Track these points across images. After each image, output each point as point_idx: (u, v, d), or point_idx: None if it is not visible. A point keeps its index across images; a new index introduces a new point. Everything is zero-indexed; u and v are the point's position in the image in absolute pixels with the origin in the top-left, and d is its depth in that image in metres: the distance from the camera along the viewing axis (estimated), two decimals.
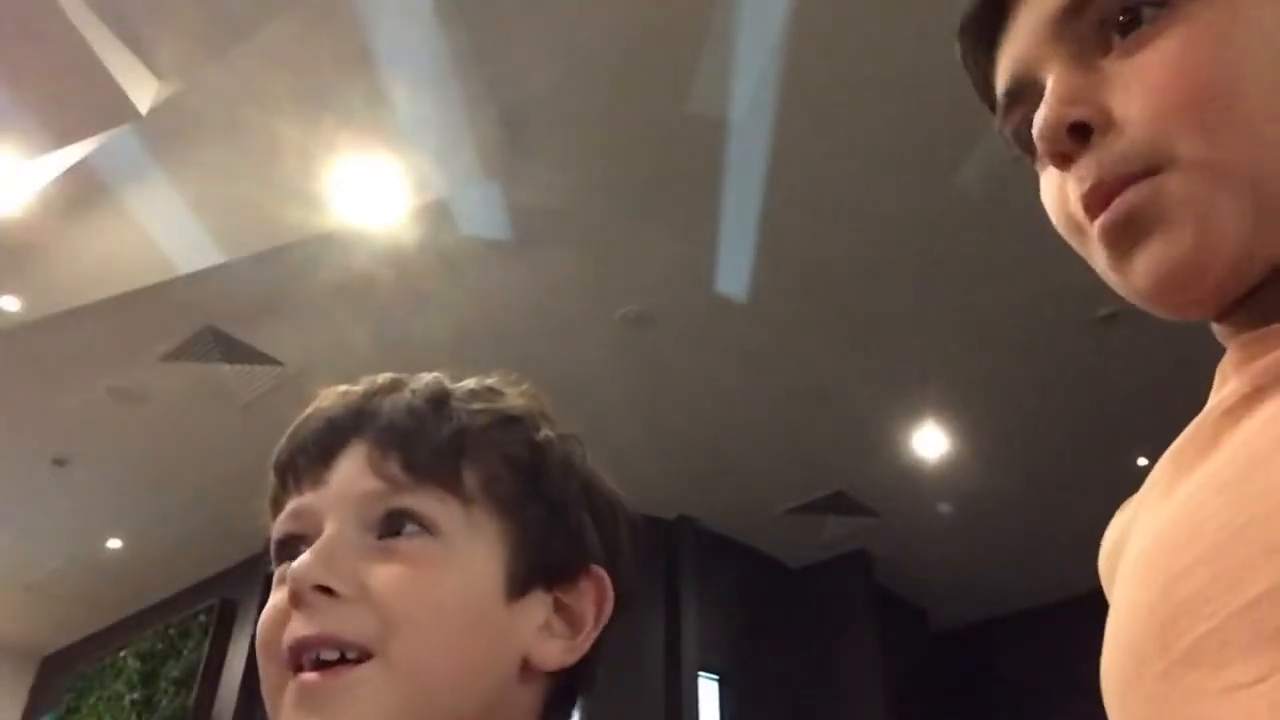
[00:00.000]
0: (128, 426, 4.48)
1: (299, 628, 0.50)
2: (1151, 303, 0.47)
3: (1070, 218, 0.49)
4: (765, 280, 3.73)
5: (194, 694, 5.39)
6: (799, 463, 5.03)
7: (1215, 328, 0.50)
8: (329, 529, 0.53)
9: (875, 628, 5.69)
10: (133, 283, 3.58)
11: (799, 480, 5.21)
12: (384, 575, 0.51)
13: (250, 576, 5.34)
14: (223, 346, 4.13)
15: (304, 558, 0.51)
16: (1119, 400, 4.26)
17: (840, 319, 4.07)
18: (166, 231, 3.37)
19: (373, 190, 3.31)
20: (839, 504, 5.41)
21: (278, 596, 0.52)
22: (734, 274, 3.67)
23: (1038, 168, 0.52)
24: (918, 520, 5.43)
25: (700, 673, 5.24)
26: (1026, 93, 0.51)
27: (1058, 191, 0.49)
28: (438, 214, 3.45)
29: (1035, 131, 0.47)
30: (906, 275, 3.82)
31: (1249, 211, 0.43)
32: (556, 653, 0.55)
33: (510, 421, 0.57)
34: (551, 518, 0.56)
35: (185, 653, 5.68)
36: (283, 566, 0.54)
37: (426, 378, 0.59)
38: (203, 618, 5.65)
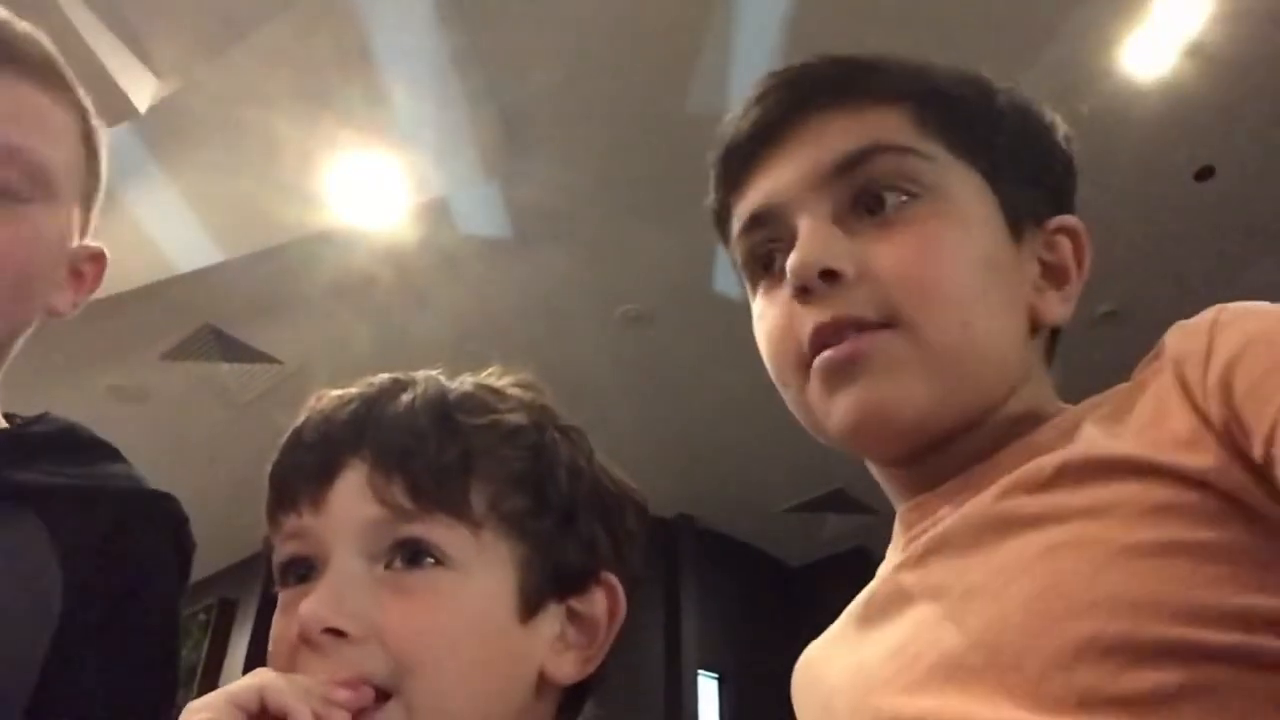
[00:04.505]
0: (127, 425, 4.47)
1: (313, 667, 0.49)
2: (845, 439, 0.57)
3: (794, 346, 0.57)
4: None
5: (194, 692, 5.37)
6: (798, 461, 5.02)
7: (884, 475, 0.61)
8: (334, 562, 0.51)
9: None
10: (132, 281, 3.57)
11: (798, 478, 5.21)
12: (397, 613, 0.49)
13: (250, 576, 5.33)
14: (222, 346, 4.12)
15: (312, 600, 0.49)
16: None
17: None
18: (165, 230, 3.37)
19: (372, 189, 3.31)
20: (838, 502, 5.40)
21: (289, 628, 0.51)
22: (733, 272, 3.66)
23: (752, 286, 0.64)
24: None
25: (700, 671, 5.24)
26: (771, 222, 0.60)
27: (785, 320, 0.58)
28: (437, 213, 3.45)
29: (790, 266, 0.56)
30: None
31: (936, 380, 0.54)
32: (573, 665, 0.55)
33: (514, 433, 0.55)
34: (561, 528, 0.55)
35: (185, 651, 5.68)
36: (288, 591, 0.53)
37: (424, 382, 0.56)
38: (202, 616, 5.65)
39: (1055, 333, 0.64)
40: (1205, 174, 3.32)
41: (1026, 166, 0.60)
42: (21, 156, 0.65)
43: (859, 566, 6.11)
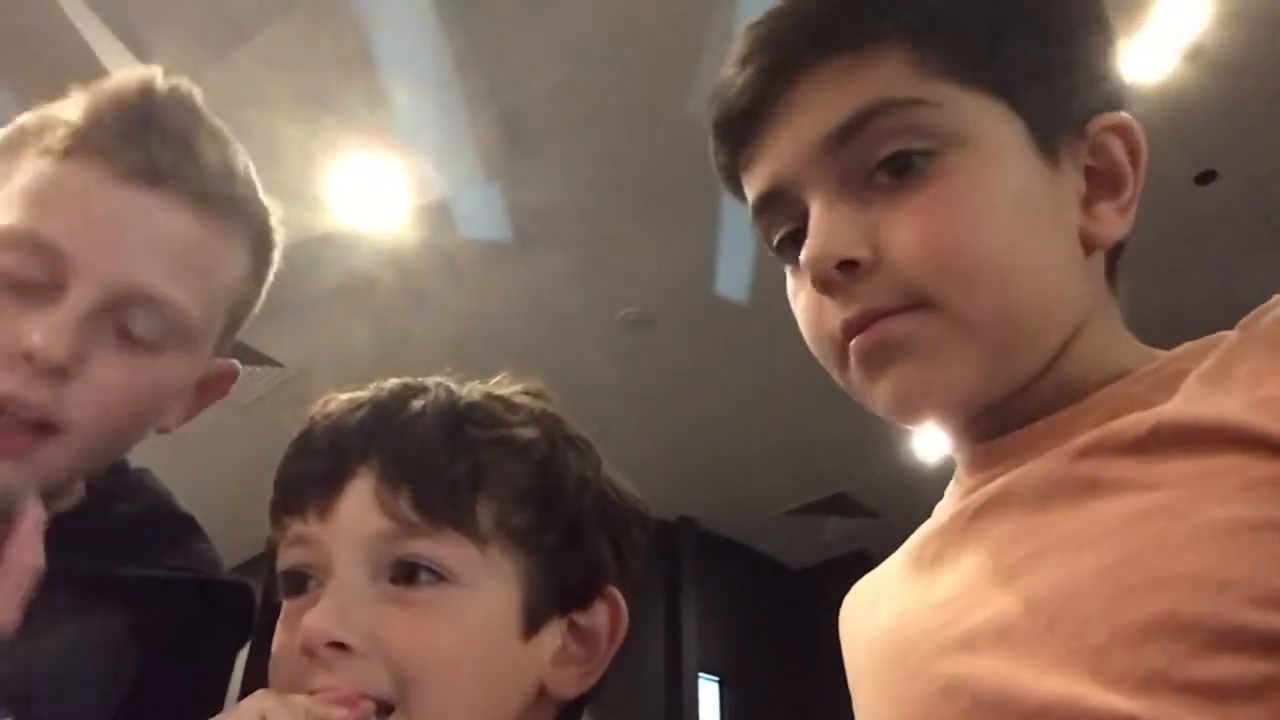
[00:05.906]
0: None
1: (317, 679, 0.49)
2: (892, 418, 0.54)
3: (829, 336, 0.53)
4: (765, 280, 3.73)
5: None
6: (800, 464, 5.02)
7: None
8: (338, 573, 0.51)
9: None
10: None
11: (800, 481, 5.21)
12: (399, 628, 0.49)
13: (251, 578, 5.32)
14: None
15: (316, 613, 0.49)
16: None
17: None
18: None
19: (373, 191, 3.31)
20: (840, 505, 5.40)
21: (292, 640, 0.50)
22: (734, 274, 3.67)
23: (785, 266, 0.57)
24: (918, 521, 5.31)
25: (700, 674, 5.23)
26: (781, 201, 0.54)
27: (815, 310, 0.54)
28: (438, 215, 3.45)
29: (804, 261, 0.51)
30: None
31: (982, 354, 0.49)
32: (572, 681, 0.55)
33: (524, 448, 0.54)
34: (567, 542, 0.54)
35: None
36: (291, 601, 0.53)
37: (435, 389, 0.56)
38: None
39: (1118, 248, 0.57)
40: (1206, 178, 3.32)
41: (1052, 66, 0.53)
42: (160, 306, 0.58)
43: (860, 570, 6.03)
